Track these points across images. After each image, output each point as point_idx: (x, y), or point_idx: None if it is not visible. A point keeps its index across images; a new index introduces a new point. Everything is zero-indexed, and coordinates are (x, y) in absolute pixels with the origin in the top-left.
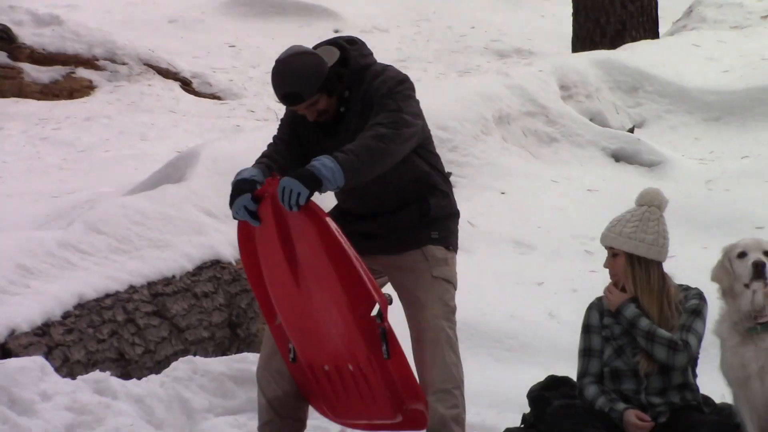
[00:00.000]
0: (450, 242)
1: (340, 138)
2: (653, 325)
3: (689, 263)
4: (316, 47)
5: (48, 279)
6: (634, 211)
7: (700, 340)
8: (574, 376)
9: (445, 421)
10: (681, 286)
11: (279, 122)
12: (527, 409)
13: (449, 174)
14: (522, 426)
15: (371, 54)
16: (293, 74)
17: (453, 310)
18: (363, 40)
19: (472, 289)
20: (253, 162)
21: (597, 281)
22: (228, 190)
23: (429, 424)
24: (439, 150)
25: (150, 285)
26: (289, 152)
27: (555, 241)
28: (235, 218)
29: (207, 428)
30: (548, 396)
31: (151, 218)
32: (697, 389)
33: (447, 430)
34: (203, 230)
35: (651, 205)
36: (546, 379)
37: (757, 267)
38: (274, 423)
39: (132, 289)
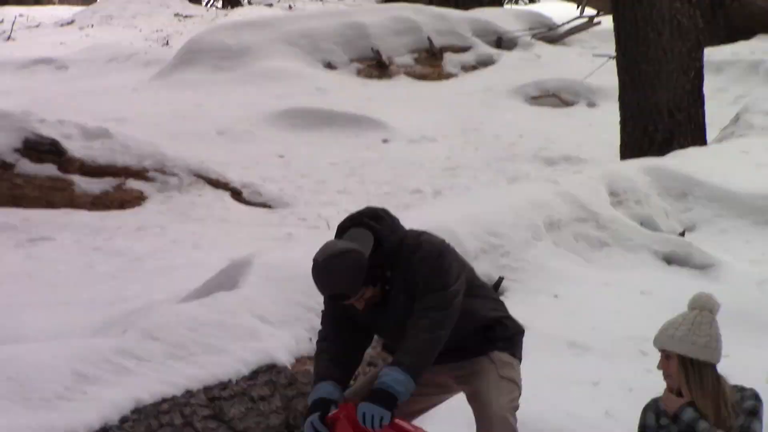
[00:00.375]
0: (515, 351)
1: (389, 315)
2: (712, 428)
3: (743, 363)
4: (343, 229)
5: (105, 385)
6: (686, 314)
7: None
8: None
9: None
10: (736, 386)
11: (322, 313)
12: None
13: (501, 279)
14: None
15: (398, 222)
16: (336, 277)
17: (517, 408)
18: (388, 212)
19: (528, 389)
20: (318, 356)
21: (653, 380)
22: (283, 297)
23: None
24: (491, 256)
25: (206, 389)
26: (343, 343)
27: (610, 342)
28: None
29: None
30: None
31: (205, 324)
32: None
33: None
34: (258, 336)
35: (703, 309)
36: None
37: None
38: None
39: (189, 393)
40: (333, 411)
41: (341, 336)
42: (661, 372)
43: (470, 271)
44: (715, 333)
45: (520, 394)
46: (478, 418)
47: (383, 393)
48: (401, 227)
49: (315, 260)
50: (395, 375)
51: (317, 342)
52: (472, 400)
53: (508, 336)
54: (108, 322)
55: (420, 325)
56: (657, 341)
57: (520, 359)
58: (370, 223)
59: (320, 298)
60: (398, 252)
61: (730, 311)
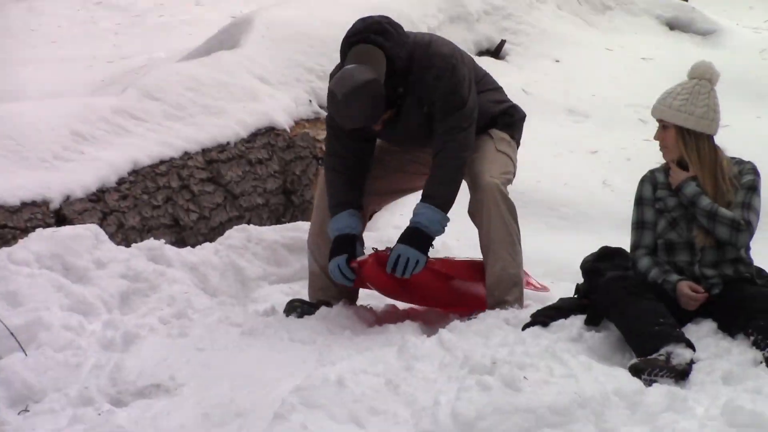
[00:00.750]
0: (514, 134)
1: (401, 127)
2: (714, 204)
3: (743, 132)
4: (350, 44)
5: (102, 145)
6: (685, 84)
7: (758, 216)
8: (627, 246)
9: (501, 279)
10: (734, 159)
11: (329, 117)
12: (580, 279)
13: (503, 42)
14: (575, 296)
15: (403, 31)
16: (357, 111)
17: (509, 182)
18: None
19: (526, 157)
20: (332, 183)
21: (651, 150)
22: (283, 57)
23: (488, 275)
24: (493, 18)
25: (204, 151)
26: (355, 158)
27: (609, 109)
28: (330, 275)
29: (261, 296)
30: (601, 267)
31: (205, 85)
32: (751, 262)
33: (503, 286)
34: (258, 97)
35: (702, 78)
36: (599, 250)
37: None
38: (329, 289)
39: (186, 155)
40: (359, 254)
41: (353, 152)
42: (653, 143)
43: (471, 63)
44: (713, 103)
45: (514, 173)
46: (471, 188)
47: (419, 233)
48: (406, 37)
49: (333, 94)
50: (430, 214)
51: (326, 161)
52: (467, 172)
53: (509, 122)
54: (107, 80)
55: (447, 149)
56: (654, 111)
57: (518, 142)
58: (379, 39)
59: (321, 60)
60: (408, 67)
61: (732, 79)
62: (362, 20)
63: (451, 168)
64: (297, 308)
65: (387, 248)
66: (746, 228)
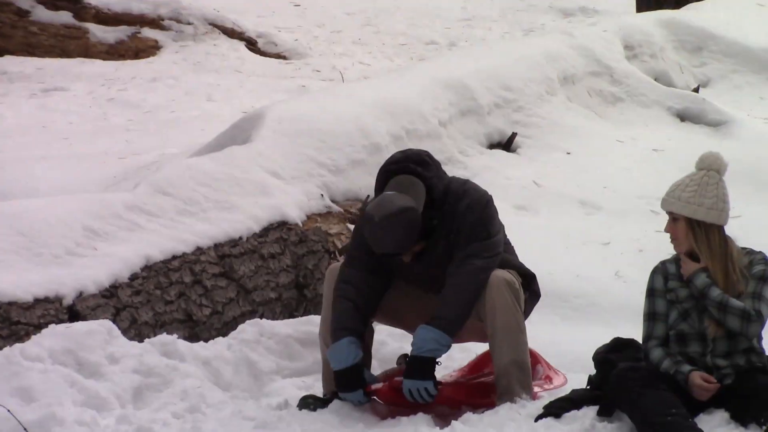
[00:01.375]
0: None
1: (425, 260)
2: (725, 295)
3: (755, 223)
4: (389, 173)
5: (115, 241)
6: (693, 175)
7: None
8: (639, 338)
9: (508, 367)
10: (744, 249)
11: (351, 247)
12: (593, 370)
13: (514, 135)
14: (588, 387)
15: (440, 166)
16: (391, 237)
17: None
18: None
19: (538, 249)
20: (336, 289)
21: (664, 241)
22: (295, 151)
23: (496, 365)
24: (504, 111)
25: (217, 246)
26: (368, 287)
27: (621, 201)
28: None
29: (274, 390)
30: (614, 358)
31: (217, 180)
32: (763, 351)
33: (510, 374)
34: (269, 192)
35: (710, 169)
36: (611, 341)
37: None
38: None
39: (199, 250)
40: (370, 380)
41: (366, 280)
42: (666, 234)
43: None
44: (722, 194)
45: (522, 316)
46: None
47: (417, 362)
48: (444, 172)
49: (370, 217)
50: (424, 334)
51: (338, 283)
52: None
53: (529, 283)
54: (120, 176)
55: (463, 272)
56: (664, 203)
57: (530, 309)
58: (418, 170)
59: (332, 154)
60: (443, 200)
61: (743, 169)
62: (402, 152)
63: (464, 291)
64: (310, 404)
65: (401, 363)
66: (757, 318)
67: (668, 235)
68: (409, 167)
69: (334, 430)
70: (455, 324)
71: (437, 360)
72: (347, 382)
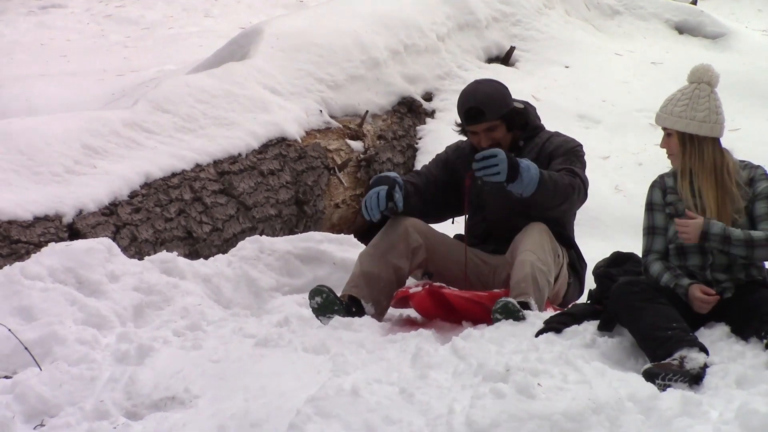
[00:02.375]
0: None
1: (502, 190)
2: (746, 232)
3: (754, 135)
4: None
5: (114, 159)
6: (685, 89)
7: None
8: (639, 251)
9: (533, 270)
10: (743, 162)
11: (434, 157)
12: (593, 285)
13: (512, 48)
14: (588, 302)
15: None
16: (482, 93)
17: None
18: None
19: None
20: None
21: (662, 155)
22: (293, 67)
23: (516, 268)
24: (502, 24)
25: (216, 163)
26: (431, 187)
27: (620, 115)
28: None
29: (274, 307)
30: (614, 273)
31: (215, 96)
32: (763, 265)
33: (530, 279)
34: (268, 108)
35: (701, 82)
36: (611, 255)
37: None
38: (362, 289)
39: (198, 167)
40: (397, 198)
41: (433, 185)
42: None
43: None
44: (714, 106)
45: (553, 279)
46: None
47: (516, 161)
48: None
49: (469, 84)
50: (532, 166)
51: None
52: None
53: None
54: (118, 93)
55: (564, 175)
56: (658, 119)
57: (570, 253)
58: (522, 101)
59: (331, 69)
60: (536, 133)
61: (741, 82)
62: None
63: (564, 181)
64: (323, 293)
65: (439, 285)
66: None
67: (665, 150)
68: (516, 100)
69: (334, 346)
70: (545, 190)
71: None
72: (377, 182)
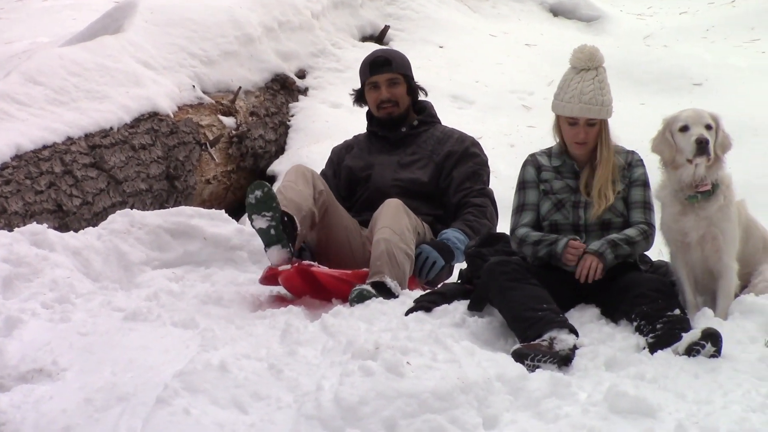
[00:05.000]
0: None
1: (398, 157)
2: (623, 234)
3: (623, 116)
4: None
5: None
6: (590, 77)
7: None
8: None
9: (388, 247)
10: (617, 146)
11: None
12: (464, 265)
13: (387, 27)
14: (459, 282)
15: None
16: (389, 50)
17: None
18: None
19: None
20: None
21: (535, 136)
22: (167, 42)
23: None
24: (376, 3)
25: (87, 137)
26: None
27: (493, 96)
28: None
29: (144, 281)
30: (484, 252)
31: (88, 69)
32: None
33: (385, 256)
34: (141, 82)
35: (600, 66)
36: (483, 235)
37: (701, 144)
38: (290, 210)
39: (70, 140)
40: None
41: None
42: (543, 128)
43: None
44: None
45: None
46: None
47: (445, 245)
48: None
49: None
50: (459, 234)
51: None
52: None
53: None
54: None
55: (477, 216)
56: (587, 111)
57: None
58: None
59: (204, 45)
60: (432, 121)
61: (616, 65)
62: None
63: (481, 223)
64: (265, 186)
65: (308, 263)
66: (652, 230)
67: (542, 129)
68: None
69: (203, 321)
70: (471, 235)
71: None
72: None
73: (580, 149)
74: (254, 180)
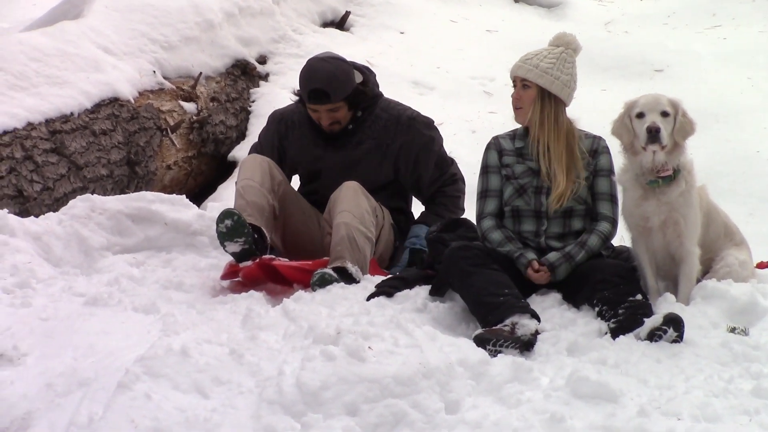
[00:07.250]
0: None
1: (347, 153)
2: (586, 247)
3: (584, 103)
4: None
5: None
6: (552, 49)
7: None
8: (473, 218)
9: (348, 231)
10: (583, 131)
11: (260, 137)
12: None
13: (348, 13)
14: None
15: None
16: (327, 74)
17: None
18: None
19: None
20: None
21: (496, 122)
22: (127, 27)
23: (333, 232)
24: None
25: (48, 122)
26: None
27: (454, 82)
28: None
29: (105, 266)
30: (446, 237)
31: (48, 55)
32: None
33: (346, 241)
34: (101, 67)
35: (569, 47)
36: (444, 220)
37: (651, 132)
38: (256, 218)
39: (30, 126)
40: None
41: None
42: (505, 113)
43: None
44: (575, 74)
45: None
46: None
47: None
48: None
49: (310, 59)
50: (415, 232)
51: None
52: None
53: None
54: None
55: (450, 204)
56: (519, 69)
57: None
58: (363, 68)
59: (165, 30)
60: (375, 102)
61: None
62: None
63: (452, 205)
64: (235, 215)
65: (269, 257)
66: (614, 229)
67: (503, 115)
68: (355, 64)
69: (164, 306)
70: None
71: None
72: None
73: (517, 116)
74: (215, 165)
